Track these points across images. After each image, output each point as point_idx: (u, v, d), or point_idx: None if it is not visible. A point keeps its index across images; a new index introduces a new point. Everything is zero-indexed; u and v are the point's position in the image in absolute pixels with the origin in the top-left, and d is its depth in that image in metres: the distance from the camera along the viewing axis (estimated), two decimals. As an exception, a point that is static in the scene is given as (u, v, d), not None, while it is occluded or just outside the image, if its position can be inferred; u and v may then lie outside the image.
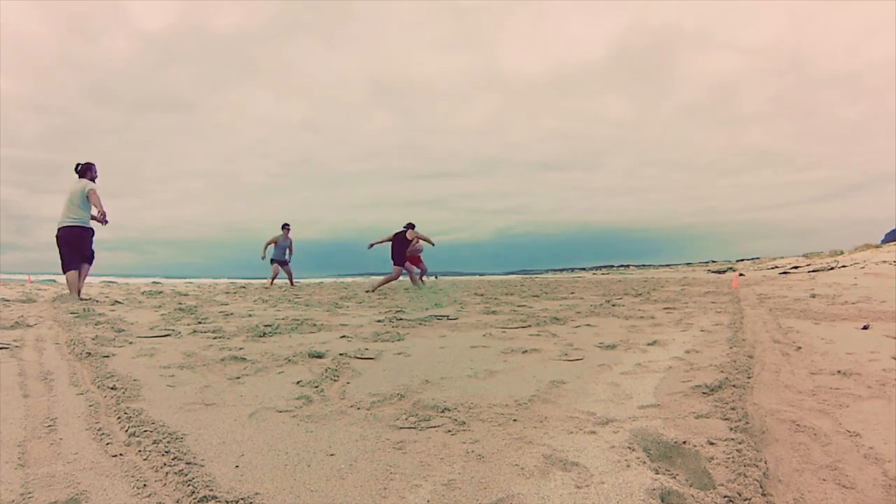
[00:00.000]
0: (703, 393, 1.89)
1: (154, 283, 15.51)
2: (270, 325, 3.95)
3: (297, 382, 2.11)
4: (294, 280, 12.78)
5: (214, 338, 3.38)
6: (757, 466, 1.23)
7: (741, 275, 17.00)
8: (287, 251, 12.16)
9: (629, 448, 1.35)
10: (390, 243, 9.88)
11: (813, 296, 6.37)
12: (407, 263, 10.44)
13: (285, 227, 12.12)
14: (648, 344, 3.08)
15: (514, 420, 1.62)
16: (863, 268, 12.73)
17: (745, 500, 1.10)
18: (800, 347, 2.84)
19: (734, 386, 1.95)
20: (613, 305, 5.84)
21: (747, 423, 1.53)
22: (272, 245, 12.05)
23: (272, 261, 12.09)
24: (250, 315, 4.98)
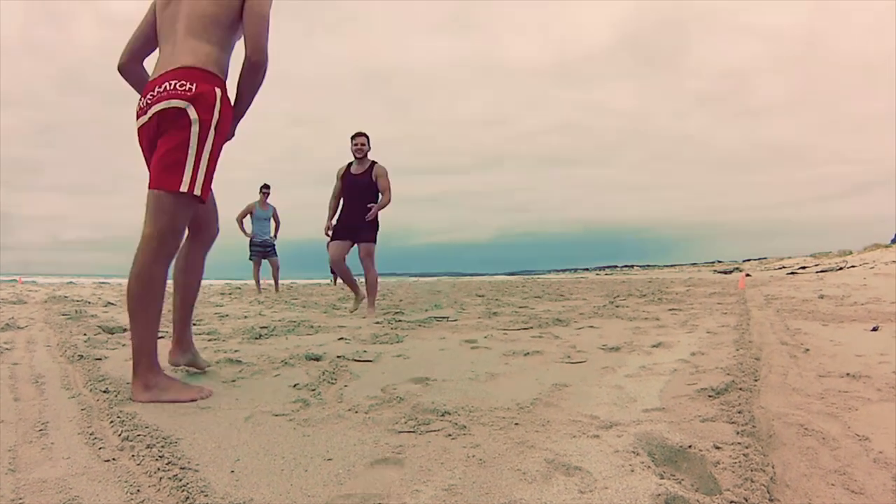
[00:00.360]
0: (709, 396, 1.89)
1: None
2: (266, 327, 3.95)
3: (294, 385, 2.11)
4: (279, 282, 9.49)
5: (209, 340, 3.38)
6: (764, 471, 1.23)
7: (748, 275, 17.00)
8: (271, 224, 8.69)
9: (633, 452, 1.35)
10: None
11: (821, 297, 6.37)
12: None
13: (264, 190, 8.65)
14: (653, 346, 3.07)
15: (516, 424, 1.62)
16: (872, 268, 12.73)
17: (752, 505, 1.10)
18: (808, 349, 2.84)
19: (741, 389, 1.95)
20: (617, 307, 5.84)
21: (754, 426, 1.53)
22: (248, 217, 8.62)
23: (252, 249, 8.71)
24: (245, 317, 4.98)
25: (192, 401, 1.81)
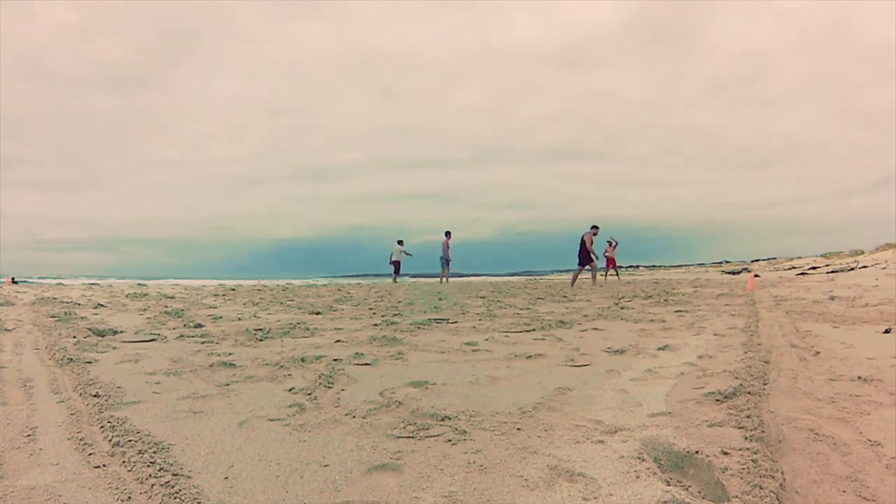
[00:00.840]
0: (717, 400, 1.89)
1: (139, 284, 15.54)
2: (261, 330, 3.96)
3: (290, 389, 2.12)
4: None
5: (202, 342, 3.38)
6: (773, 477, 1.23)
7: (756, 276, 17.02)
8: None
9: (639, 458, 1.35)
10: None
11: (832, 298, 6.37)
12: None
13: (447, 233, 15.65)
14: (659, 349, 3.08)
15: (518, 429, 1.62)
16: (884, 268, 12.74)
17: (761, 512, 1.10)
18: (818, 352, 2.84)
19: (749, 393, 1.95)
20: (622, 308, 5.85)
21: (763, 431, 1.54)
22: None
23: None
24: (240, 318, 4.98)
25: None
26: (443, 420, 1.69)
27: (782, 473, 1.27)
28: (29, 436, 1.54)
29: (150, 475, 1.26)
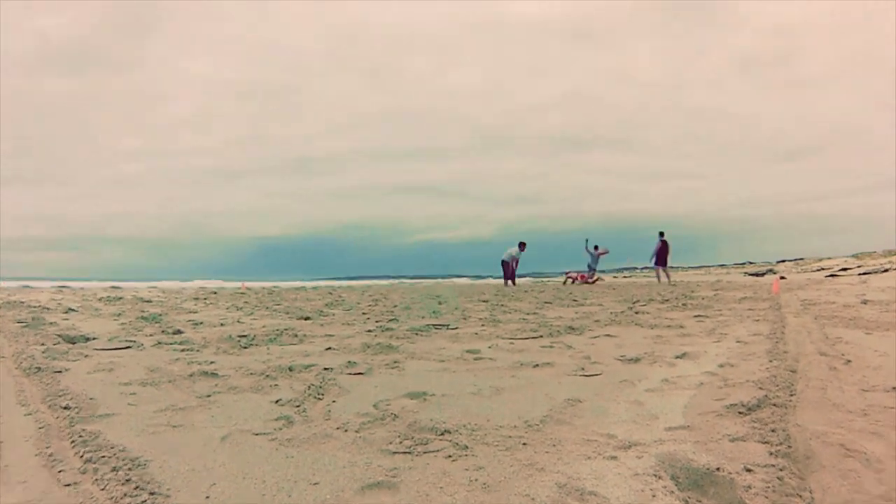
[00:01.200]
0: (740, 413, 1.89)
1: (113, 287, 15.54)
2: (245, 336, 3.96)
3: (276, 401, 2.12)
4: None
5: (182, 350, 3.38)
6: (801, 496, 1.23)
7: (782, 278, 17.04)
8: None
9: (655, 476, 1.35)
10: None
11: (864, 302, 6.37)
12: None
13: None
14: (677, 357, 3.08)
15: (524, 444, 1.62)
16: (921, 270, 12.73)
17: (788, 534, 1.10)
18: (849, 361, 2.84)
19: (774, 405, 1.95)
20: (637, 313, 5.85)
21: (789, 446, 1.54)
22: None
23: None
24: (222, 324, 4.99)
25: None
26: (442, 434, 1.69)
27: (810, 492, 1.27)
28: (-6, 451, 1.54)
29: (125, 494, 1.26)
